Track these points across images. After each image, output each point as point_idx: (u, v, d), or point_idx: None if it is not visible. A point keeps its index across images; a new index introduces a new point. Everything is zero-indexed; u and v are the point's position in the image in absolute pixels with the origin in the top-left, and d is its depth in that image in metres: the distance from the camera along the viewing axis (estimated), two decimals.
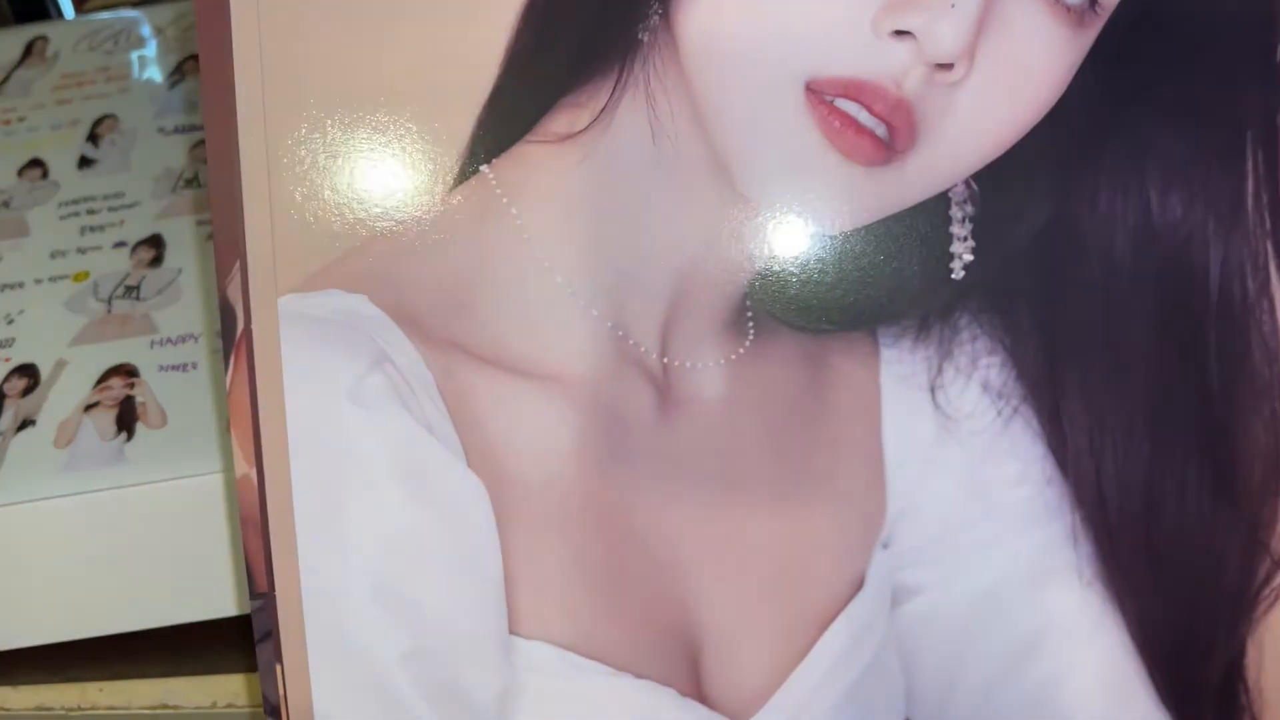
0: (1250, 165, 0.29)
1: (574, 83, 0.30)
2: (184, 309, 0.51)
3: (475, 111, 0.29)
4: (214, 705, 0.52)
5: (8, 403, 0.49)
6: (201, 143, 0.61)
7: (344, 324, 0.30)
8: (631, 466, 0.31)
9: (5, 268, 0.55)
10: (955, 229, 0.30)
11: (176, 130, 0.62)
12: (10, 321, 0.52)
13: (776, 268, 0.30)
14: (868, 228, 0.30)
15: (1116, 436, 0.30)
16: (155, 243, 0.55)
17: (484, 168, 0.30)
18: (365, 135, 0.29)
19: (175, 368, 0.49)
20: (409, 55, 0.29)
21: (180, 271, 0.53)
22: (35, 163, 0.61)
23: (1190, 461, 0.30)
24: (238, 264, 0.30)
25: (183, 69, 0.66)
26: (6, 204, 0.59)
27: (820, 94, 0.28)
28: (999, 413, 0.31)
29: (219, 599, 0.47)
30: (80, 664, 0.51)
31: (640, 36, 0.29)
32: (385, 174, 0.29)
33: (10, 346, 0.51)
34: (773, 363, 0.32)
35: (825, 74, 0.28)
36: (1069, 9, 0.28)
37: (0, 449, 0.47)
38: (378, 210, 0.29)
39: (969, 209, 0.30)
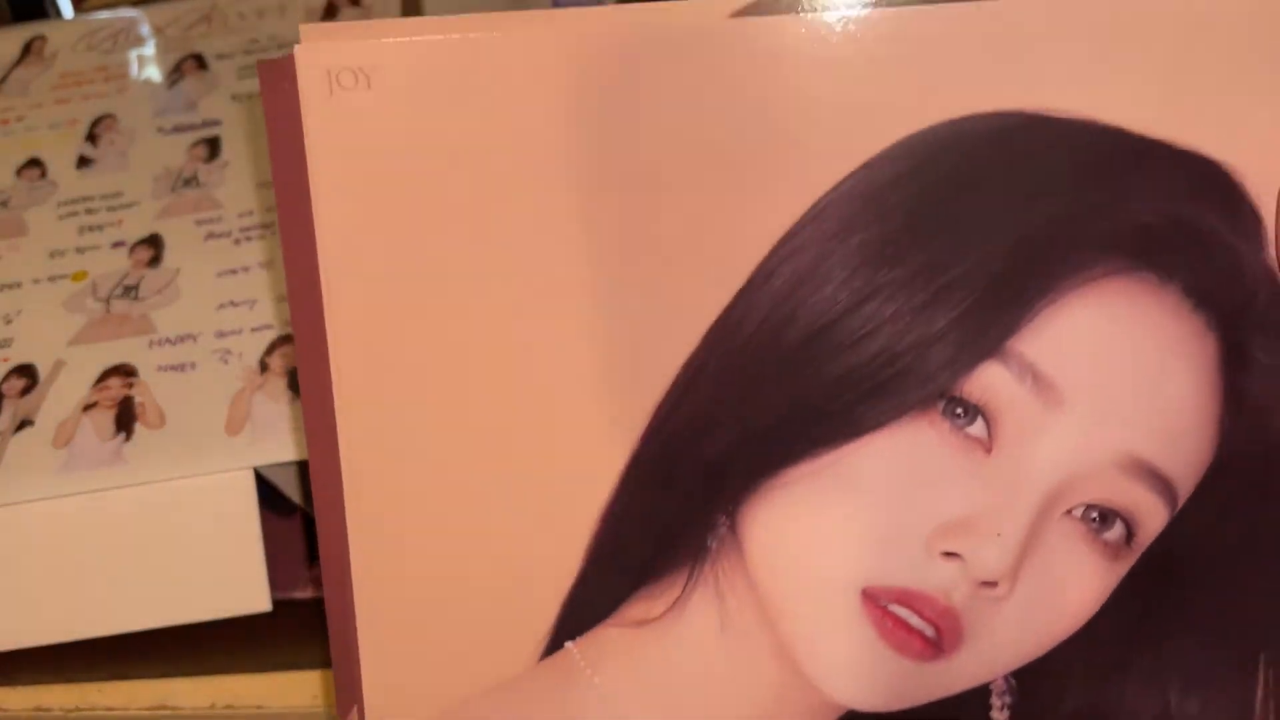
0: (1262, 679, 0.33)
1: (648, 579, 0.33)
2: (183, 309, 0.51)
3: (560, 599, 0.33)
4: (213, 706, 0.52)
5: (6, 403, 0.49)
6: (199, 142, 0.61)
7: None
8: None
9: (3, 267, 0.55)
10: (995, 715, 0.34)
11: (175, 130, 0.62)
12: (8, 321, 0.52)
13: None
14: (916, 709, 0.33)
15: None
16: (154, 242, 0.55)
17: (569, 643, 0.34)
18: (459, 617, 0.34)
19: (174, 368, 0.49)
20: (498, 551, 0.33)
21: (179, 271, 0.53)
22: (34, 162, 0.61)
23: None
24: (355, 709, 0.34)
25: (181, 68, 0.66)
26: (5, 203, 0.59)
27: (876, 599, 0.32)
28: None
29: (219, 599, 0.47)
30: (79, 665, 0.51)
31: (709, 544, 0.33)
32: (479, 648, 0.34)
33: (8, 346, 0.51)
34: None
35: (881, 583, 0.32)
36: (1106, 544, 0.31)
37: None
38: (472, 676, 0.34)
39: (1007, 699, 0.34)
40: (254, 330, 0.50)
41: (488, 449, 0.32)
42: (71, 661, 0.50)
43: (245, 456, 0.45)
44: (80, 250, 0.56)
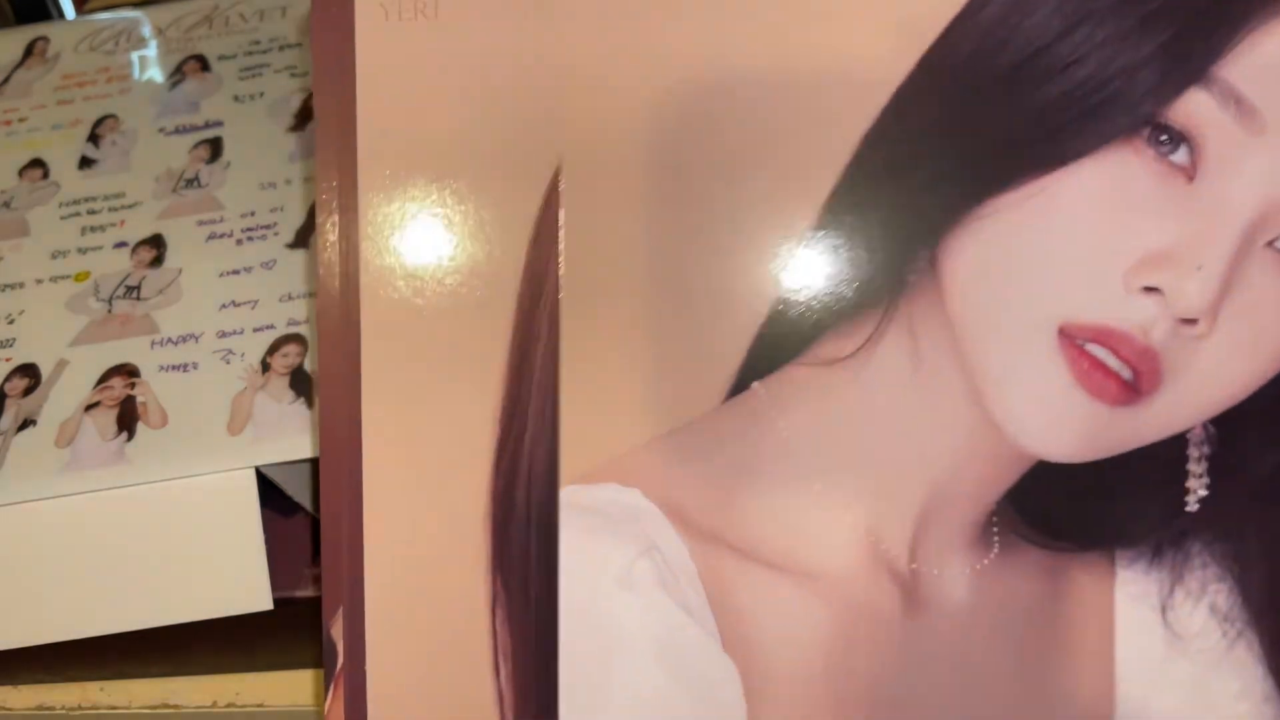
0: None
1: (843, 317, 0.33)
2: (185, 309, 0.52)
3: (748, 340, 0.33)
4: (214, 705, 0.52)
5: (9, 402, 0.49)
6: (201, 143, 0.61)
7: (619, 515, 0.33)
8: (875, 662, 0.33)
9: (6, 268, 0.55)
10: (1192, 466, 0.32)
11: (177, 130, 0.62)
12: (11, 321, 0.53)
13: (1024, 489, 0.33)
14: (1111, 459, 0.32)
15: None
16: (156, 243, 0.55)
17: (756, 384, 0.33)
18: (649, 356, 0.33)
19: (176, 368, 0.49)
20: (681, 292, 0.33)
21: (181, 271, 0.54)
22: (36, 163, 0.62)
23: None
24: (340, 609, 0.34)
25: (183, 69, 0.66)
26: (7, 204, 0.59)
27: (1072, 338, 0.31)
28: (1224, 634, 0.33)
29: (220, 598, 0.47)
30: (81, 663, 0.51)
31: (908, 278, 0.32)
32: (666, 386, 0.33)
33: (11, 346, 0.51)
34: (1015, 575, 0.34)
35: (1078, 320, 0.31)
36: None
37: (1, 449, 0.47)
38: (659, 417, 0.33)
39: (1205, 449, 0.32)
40: (256, 330, 0.50)
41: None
42: (73, 660, 0.51)
43: (247, 456, 0.45)
44: (82, 250, 0.56)
